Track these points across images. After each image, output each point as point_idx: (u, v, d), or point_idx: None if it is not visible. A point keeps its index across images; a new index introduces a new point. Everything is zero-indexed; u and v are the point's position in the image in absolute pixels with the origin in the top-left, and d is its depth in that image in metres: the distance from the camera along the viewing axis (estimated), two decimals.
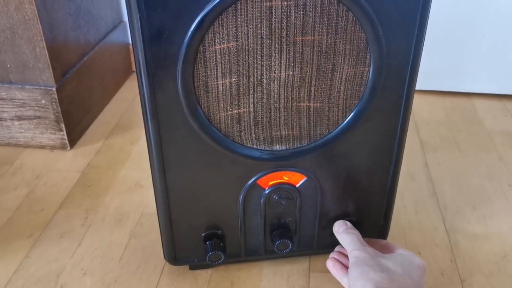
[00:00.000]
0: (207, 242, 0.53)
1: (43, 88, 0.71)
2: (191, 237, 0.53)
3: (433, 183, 0.69)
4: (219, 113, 0.45)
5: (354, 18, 0.42)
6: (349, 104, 0.46)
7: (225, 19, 0.41)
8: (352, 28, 0.42)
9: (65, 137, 0.75)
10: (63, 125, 0.74)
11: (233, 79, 0.44)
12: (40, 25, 0.66)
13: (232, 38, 0.42)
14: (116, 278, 0.55)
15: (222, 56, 0.42)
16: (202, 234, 0.53)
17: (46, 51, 0.68)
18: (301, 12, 0.41)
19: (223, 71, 0.43)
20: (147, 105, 0.44)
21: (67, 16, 0.74)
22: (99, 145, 0.78)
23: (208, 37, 0.41)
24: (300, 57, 0.43)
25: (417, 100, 0.90)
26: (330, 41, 0.43)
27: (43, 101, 0.72)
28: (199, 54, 0.42)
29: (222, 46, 0.42)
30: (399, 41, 0.43)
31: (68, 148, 0.77)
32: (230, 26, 0.41)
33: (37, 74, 0.70)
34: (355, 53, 0.44)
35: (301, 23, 0.42)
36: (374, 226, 0.56)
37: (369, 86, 0.45)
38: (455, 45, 0.86)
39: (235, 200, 0.51)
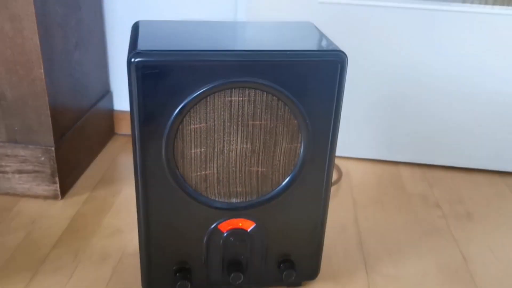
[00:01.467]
0: (177, 274, 0.67)
1: (44, 147, 0.86)
2: (165, 270, 0.67)
3: (360, 234, 0.86)
4: (191, 173, 0.62)
5: (289, 110, 0.60)
6: (287, 169, 0.64)
7: (198, 108, 0.58)
8: (288, 116, 0.60)
9: (58, 189, 0.89)
10: (57, 179, 0.88)
11: (202, 149, 0.61)
12: (47, 97, 0.82)
13: (203, 121, 0.59)
14: None
15: (195, 133, 0.59)
16: (174, 268, 0.67)
17: (50, 118, 0.84)
18: (252, 105, 0.59)
19: (195, 143, 0.60)
20: (138, 166, 0.60)
21: (66, 89, 0.90)
22: (86, 196, 0.92)
23: (185, 119, 0.58)
24: (251, 135, 0.61)
25: (353, 166, 1.09)
26: (272, 125, 0.60)
27: (43, 158, 0.87)
28: (178, 131, 0.59)
29: (195, 126, 0.59)
30: (321, 125, 0.61)
31: (60, 198, 0.90)
32: (202, 112, 0.58)
33: (40, 136, 0.85)
34: (290, 133, 0.61)
35: (252, 112, 0.59)
36: (308, 266, 0.71)
37: (301, 157, 0.63)
38: (387, 122, 1.06)
39: (201, 241, 0.66)
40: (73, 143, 0.93)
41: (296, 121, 0.60)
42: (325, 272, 0.76)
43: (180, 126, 0.58)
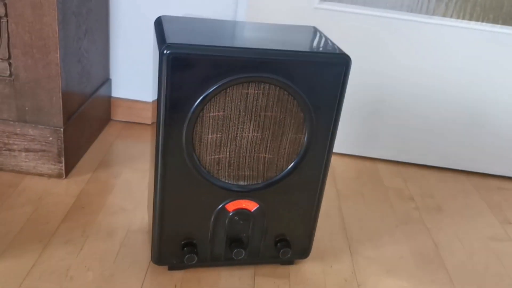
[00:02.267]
0: (185, 248, 0.74)
1: (53, 128, 0.90)
2: (174, 244, 0.74)
3: (344, 221, 0.95)
4: (206, 156, 0.68)
5: (297, 104, 0.67)
6: (291, 157, 0.71)
7: (218, 98, 0.65)
8: (296, 110, 0.68)
9: (63, 168, 0.94)
10: (63, 158, 0.93)
11: (218, 135, 0.67)
12: (60, 81, 0.87)
13: (221, 109, 0.66)
14: (112, 274, 0.74)
15: (213, 120, 0.66)
16: (181, 242, 0.74)
17: (61, 101, 0.88)
18: (265, 98, 0.66)
19: (212, 129, 0.67)
20: (160, 148, 0.66)
21: (75, 75, 0.95)
22: (89, 177, 0.97)
23: (206, 107, 0.65)
24: (262, 125, 0.68)
25: (337, 161, 1.18)
26: (281, 116, 0.68)
27: (51, 138, 0.91)
28: (198, 118, 0.65)
29: (214, 113, 0.66)
30: (324, 119, 0.69)
31: (64, 177, 0.95)
32: (221, 102, 0.65)
33: (50, 117, 0.90)
34: (296, 125, 0.69)
35: (265, 104, 0.67)
36: (301, 246, 0.79)
37: (304, 147, 0.71)
38: (368, 123, 1.16)
39: (209, 218, 0.73)
40: (77, 126, 0.98)
41: (302, 114, 0.68)
42: (313, 253, 0.84)
43: (201, 113, 0.65)
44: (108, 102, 1.18)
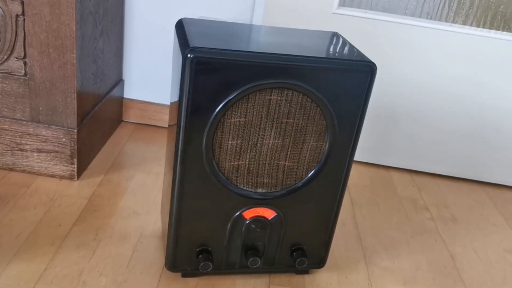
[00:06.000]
0: (200, 256, 0.72)
1: (66, 129, 0.89)
2: (189, 251, 0.72)
3: (358, 230, 0.94)
4: (225, 163, 0.67)
5: (320, 112, 0.66)
6: (311, 165, 0.70)
7: (241, 103, 0.63)
8: (318, 117, 0.66)
9: (75, 169, 0.93)
10: (75, 160, 0.92)
11: (238, 141, 0.66)
12: (75, 81, 0.86)
13: (243, 115, 0.64)
14: (126, 279, 0.73)
15: (234, 126, 0.65)
16: (197, 249, 0.73)
17: (75, 101, 0.87)
18: (288, 104, 0.65)
19: (232, 135, 0.65)
20: (179, 153, 0.65)
21: (90, 75, 0.94)
22: (100, 179, 0.96)
23: (227, 113, 0.64)
24: (284, 132, 0.67)
25: None
26: (303, 124, 0.66)
27: (64, 139, 0.90)
28: (220, 124, 0.64)
29: (235, 119, 0.64)
30: (346, 128, 0.68)
31: (75, 179, 0.94)
32: (243, 108, 0.64)
33: (64, 117, 0.89)
34: (318, 133, 0.68)
35: (287, 111, 0.65)
36: (317, 255, 0.78)
37: (325, 155, 0.69)
38: (380, 129, 1.14)
39: (225, 226, 0.72)
40: (91, 127, 0.97)
41: (325, 122, 0.67)
42: (329, 263, 0.83)
43: (222, 119, 0.64)
44: (121, 103, 1.17)
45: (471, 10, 1.04)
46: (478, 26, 1.05)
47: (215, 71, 0.61)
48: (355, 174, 1.14)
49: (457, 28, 1.03)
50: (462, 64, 1.06)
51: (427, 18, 1.05)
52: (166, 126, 1.20)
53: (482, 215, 1.05)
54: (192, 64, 0.60)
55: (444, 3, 1.04)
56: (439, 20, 1.05)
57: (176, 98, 0.66)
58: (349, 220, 0.96)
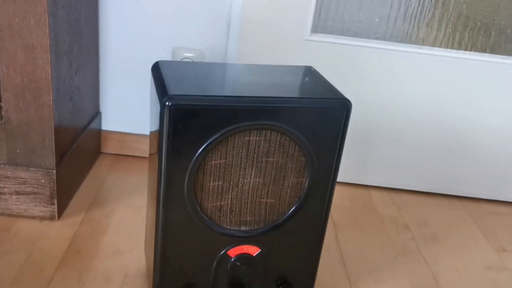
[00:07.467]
0: None
1: (45, 170, 0.88)
2: None
3: (342, 255, 0.95)
4: (207, 204, 0.67)
5: (299, 149, 0.67)
6: (292, 201, 0.71)
7: (220, 146, 0.64)
8: (297, 154, 0.67)
9: (55, 210, 0.92)
10: (55, 200, 0.91)
11: (219, 183, 0.67)
12: (52, 122, 0.85)
13: (223, 157, 0.65)
14: None
15: (215, 168, 0.65)
16: None
17: (53, 142, 0.87)
18: (267, 144, 0.66)
19: (214, 177, 0.66)
20: (161, 196, 0.65)
21: (67, 113, 0.93)
22: (82, 217, 0.95)
23: (208, 156, 0.64)
24: (264, 171, 0.67)
25: None
26: (283, 161, 0.67)
27: (43, 180, 0.89)
28: (200, 167, 0.64)
29: (216, 161, 0.65)
30: (325, 162, 0.69)
31: (56, 219, 0.93)
32: (223, 150, 0.64)
33: (42, 159, 0.88)
34: (298, 169, 0.69)
35: (266, 150, 0.66)
36: (303, 286, 0.79)
37: (305, 190, 0.70)
38: (358, 149, 1.16)
39: (210, 264, 0.72)
40: (70, 165, 0.96)
41: (304, 158, 0.68)
42: None
43: (203, 162, 0.64)
44: (99, 135, 1.16)
45: (439, 32, 1.07)
46: (446, 47, 1.08)
47: (194, 117, 0.61)
48: (336, 195, 1.15)
49: (426, 50, 1.06)
50: (434, 84, 1.08)
51: (397, 41, 1.08)
52: (145, 156, 1.20)
53: (462, 231, 1.08)
54: (171, 112, 0.60)
55: (413, 27, 1.07)
56: (409, 43, 1.08)
57: (155, 128, 0.66)
58: (332, 244, 0.97)
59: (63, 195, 0.94)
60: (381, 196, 1.18)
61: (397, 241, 1.01)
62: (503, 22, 1.06)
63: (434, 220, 1.11)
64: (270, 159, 0.67)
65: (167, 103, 0.60)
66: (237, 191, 0.68)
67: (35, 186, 0.89)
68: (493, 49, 1.07)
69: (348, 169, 1.18)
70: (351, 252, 0.96)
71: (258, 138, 0.65)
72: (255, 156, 0.66)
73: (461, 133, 1.13)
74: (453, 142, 1.14)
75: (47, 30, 0.79)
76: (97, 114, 1.13)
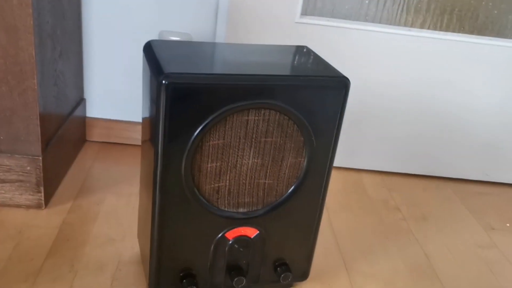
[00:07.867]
0: (184, 280, 0.71)
1: (31, 157, 0.85)
2: (172, 276, 0.71)
3: (336, 237, 0.95)
4: (205, 186, 0.66)
5: (297, 128, 0.66)
6: (291, 181, 0.70)
7: (218, 126, 0.62)
8: (296, 134, 0.66)
9: (42, 198, 0.89)
10: (42, 188, 0.88)
11: (217, 164, 0.65)
12: (37, 107, 0.82)
13: (221, 138, 0.63)
14: None
15: (213, 148, 0.64)
16: (180, 274, 0.71)
17: (39, 128, 0.84)
18: (266, 124, 0.64)
19: (211, 158, 0.64)
20: (158, 179, 0.63)
21: (52, 99, 0.90)
22: (70, 205, 0.92)
23: (205, 137, 0.63)
24: (262, 151, 0.66)
25: None
26: (281, 141, 0.66)
27: (28, 168, 0.86)
28: (198, 148, 0.63)
29: (214, 142, 0.63)
30: (324, 142, 0.68)
31: (43, 208, 0.90)
32: (221, 130, 0.63)
33: (27, 145, 0.85)
34: (296, 149, 0.68)
35: (265, 130, 0.65)
36: (300, 268, 0.78)
37: (304, 170, 0.69)
38: (349, 133, 1.16)
39: (208, 248, 0.70)
40: (56, 152, 0.93)
41: (302, 138, 0.67)
42: (311, 273, 0.83)
43: (200, 143, 0.63)
44: (83, 122, 1.13)
45: (428, 14, 1.07)
46: (435, 29, 1.08)
47: (191, 96, 0.59)
48: None
49: (415, 32, 1.06)
50: (423, 66, 1.08)
51: (386, 24, 1.07)
52: (132, 143, 1.17)
53: (450, 211, 1.09)
54: (168, 90, 0.58)
55: (402, 9, 1.06)
56: (398, 25, 1.08)
57: (148, 114, 0.64)
58: (326, 227, 0.97)
59: (49, 183, 0.91)
60: (372, 180, 1.18)
61: (388, 222, 1.01)
62: (490, 4, 1.07)
63: (424, 201, 1.12)
64: (269, 139, 0.66)
65: (163, 82, 0.58)
66: (235, 172, 0.66)
67: (20, 173, 0.86)
68: (481, 31, 1.08)
69: (339, 153, 1.18)
70: (343, 233, 0.96)
71: (256, 118, 0.64)
72: (254, 136, 0.65)
73: (448, 115, 1.14)
74: (441, 125, 1.15)
75: (30, 11, 0.76)
76: (81, 101, 1.10)
